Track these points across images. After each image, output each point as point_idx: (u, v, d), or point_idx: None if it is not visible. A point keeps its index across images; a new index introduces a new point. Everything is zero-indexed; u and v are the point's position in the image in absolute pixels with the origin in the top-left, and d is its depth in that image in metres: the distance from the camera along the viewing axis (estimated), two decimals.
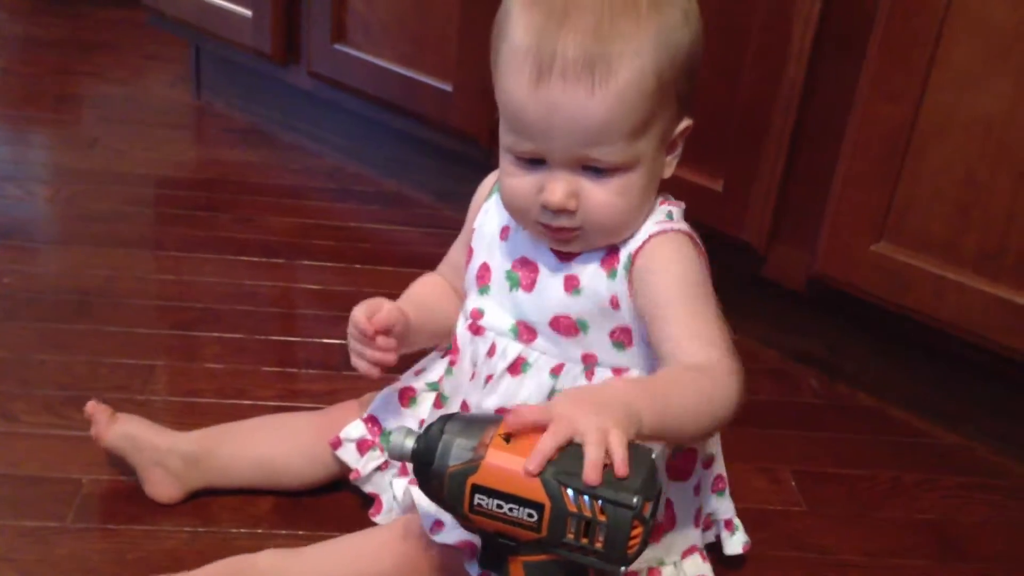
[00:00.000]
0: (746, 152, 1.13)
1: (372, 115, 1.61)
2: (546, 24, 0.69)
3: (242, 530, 0.88)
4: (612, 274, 0.76)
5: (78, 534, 0.86)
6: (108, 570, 0.82)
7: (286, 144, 1.80)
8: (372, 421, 0.90)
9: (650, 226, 0.77)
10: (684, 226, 0.79)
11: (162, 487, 0.89)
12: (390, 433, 0.70)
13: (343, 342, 1.18)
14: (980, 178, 0.97)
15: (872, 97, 1.02)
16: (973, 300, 0.99)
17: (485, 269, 0.83)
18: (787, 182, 1.13)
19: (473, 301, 0.83)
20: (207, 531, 0.88)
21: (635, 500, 0.59)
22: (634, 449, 0.62)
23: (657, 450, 0.66)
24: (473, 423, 0.65)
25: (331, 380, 1.12)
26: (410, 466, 0.68)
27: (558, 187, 0.72)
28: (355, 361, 0.83)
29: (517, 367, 0.80)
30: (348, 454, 0.89)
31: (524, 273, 0.80)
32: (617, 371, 0.78)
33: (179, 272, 1.33)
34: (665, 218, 0.78)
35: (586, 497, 0.60)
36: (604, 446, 0.60)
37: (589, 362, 0.79)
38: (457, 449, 0.63)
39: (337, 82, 1.58)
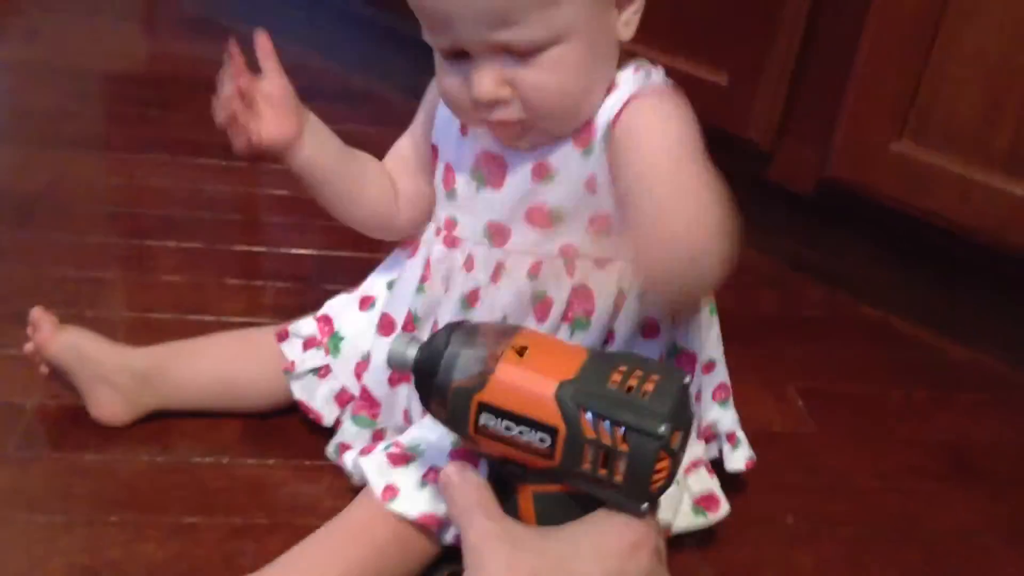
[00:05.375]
0: (754, 40, 1.04)
1: (337, 3, 1.49)
2: None
3: (206, 459, 0.81)
4: (588, 151, 0.68)
5: (22, 464, 0.78)
6: (56, 505, 0.75)
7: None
8: (325, 320, 0.84)
9: (629, 87, 0.68)
10: (669, 83, 0.70)
11: (108, 407, 0.81)
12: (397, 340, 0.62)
13: (313, 252, 1.12)
14: (1016, 66, 0.89)
15: None
16: (1000, 203, 0.93)
17: (448, 170, 0.75)
18: (799, 74, 1.05)
19: (443, 209, 0.76)
20: (166, 460, 0.80)
21: (662, 429, 0.52)
22: (665, 373, 0.54)
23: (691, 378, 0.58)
24: (484, 333, 0.58)
25: (301, 293, 1.04)
26: (410, 377, 0.62)
27: (483, 78, 0.64)
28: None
29: (497, 275, 0.72)
30: (291, 347, 0.83)
31: (490, 169, 0.71)
32: (601, 262, 0.71)
33: (130, 175, 1.25)
34: (644, 77, 0.69)
35: (607, 422, 0.53)
36: None
37: (569, 255, 0.70)
38: (464, 361, 0.56)
39: None
